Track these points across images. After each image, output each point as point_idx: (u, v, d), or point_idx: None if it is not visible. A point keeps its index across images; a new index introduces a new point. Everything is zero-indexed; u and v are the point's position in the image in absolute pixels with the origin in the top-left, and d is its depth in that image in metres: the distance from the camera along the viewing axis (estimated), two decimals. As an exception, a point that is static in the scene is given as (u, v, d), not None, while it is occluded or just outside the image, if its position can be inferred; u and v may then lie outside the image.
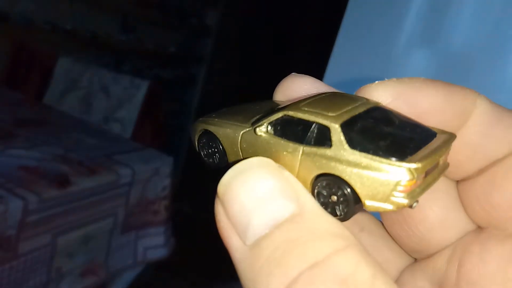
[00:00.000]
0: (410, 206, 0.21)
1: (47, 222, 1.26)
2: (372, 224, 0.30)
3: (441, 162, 0.23)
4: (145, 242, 1.63)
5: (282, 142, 0.23)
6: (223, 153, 0.26)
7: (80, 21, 2.39)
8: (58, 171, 1.36)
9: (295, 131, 0.23)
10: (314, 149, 0.22)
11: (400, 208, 0.21)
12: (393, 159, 0.20)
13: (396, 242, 0.29)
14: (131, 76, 2.16)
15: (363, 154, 0.21)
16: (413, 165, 0.20)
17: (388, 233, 0.29)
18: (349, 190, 0.21)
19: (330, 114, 0.22)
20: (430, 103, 0.24)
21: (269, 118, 0.24)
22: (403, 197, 0.20)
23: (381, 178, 0.20)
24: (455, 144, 0.24)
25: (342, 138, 0.21)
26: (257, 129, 0.24)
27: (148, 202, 1.62)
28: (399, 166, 0.20)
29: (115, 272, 1.56)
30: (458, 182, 0.27)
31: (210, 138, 0.27)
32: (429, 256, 0.27)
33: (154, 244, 1.65)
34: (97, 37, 2.48)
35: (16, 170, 1.32)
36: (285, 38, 2.69)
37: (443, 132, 0.24)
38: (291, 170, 0.22)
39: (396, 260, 0.29)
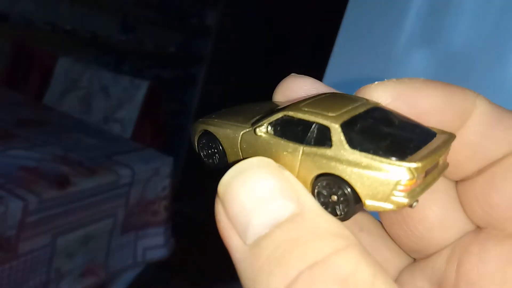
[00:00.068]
0: (410, 206, 0.21)
1: (47, 222, 1.26)
2: (371, 224, 0.30)
3: (440, 162, 0.23)
4: (145, 243, 1.63)
5: (282, 142, 0.23)
6: (223, 153, 0.26)
7: (80, 21, 2.39)
8: (58, 172, 1.36)
9: (295, 131, 0.23)
10: (314, 149, 0.22)
11: (400, 207, 0.21)
12: (393, 158, 0.20)
13: (395, 242, 0.29)
14: (131, 76, 2.16)
15: (363, 154, 0.21)
16: (413, 165, 0.20)
17: (387, 233, 0.29)
18: (349, 189, 0.21)
19: (330, 114, 0.22)
20: (429, 104, 0.24)
21: (269, 118, 0.24)
22: (403, 197, 0.20)
23: (381, 177, 0.20)
24: (454, 145, 0.24)
25: (342, 138, 0.21)
26: (257, 130, 0.24)
27: (148, 203, 1.62)
28: (399, 165, 0.20)
29: (115, 273, 1.56)
30: (457, 182, 0.27)
31: (210, 138, 0.27)
32: (428, 256, 0.27)
33: (154, 244, 1.65)
34: (97, 37, 2.48)
35: (16, 170, 1.32)
36: (285, 38, 2.69)
37: (443, 132, 0.24)
38: (291, 170, 0.22)
39: (395, 260, 0.29)
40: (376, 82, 0.25)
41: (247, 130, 0.25)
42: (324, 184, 0.22)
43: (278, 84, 0.28)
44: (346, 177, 0.21)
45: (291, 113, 0.23)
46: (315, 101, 0.24)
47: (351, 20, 0.76)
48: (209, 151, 0.27)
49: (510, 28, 0.65)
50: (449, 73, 0.69)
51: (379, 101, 0.24)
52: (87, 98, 2.12)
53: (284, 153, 0.23)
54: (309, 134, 0.22)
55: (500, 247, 0.24)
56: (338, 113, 0.22)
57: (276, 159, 0.22)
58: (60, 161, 1.44)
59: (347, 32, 0.76)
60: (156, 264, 1.70)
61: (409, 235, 0.27)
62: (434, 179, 0.22)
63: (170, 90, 2.67)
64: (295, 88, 0.27)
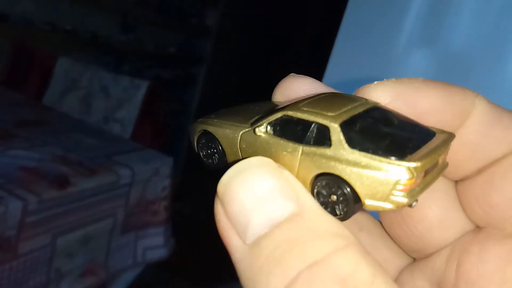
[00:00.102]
0: (410, 205, 0.21)
1: (47, 222, 1.26)
2: (371, 224, 0.30)
3: (440, 161, 0.23)
4: (145, 243, 1.63)
5: (282, 142, 0.23)
6: (222, 153, 0.26)
7: (80, 21, 2.39)
8: (58, 172, 1.36)
9: (294, 131, 0.23)
10: (313, 149, 0.22)
11: (399, 207, 0.21)
12: (393, 158, 0.20)
13: (395, 241, 0.29)
14: (131, 76, 2.15)
15: (362, 153, 0.21)
16: (412, 164, 0.20)
17: (387, 232, 0.29)
18: (348, 189, 0.21)
19: (329, 114, 0.22)
20: (429, 104, 0.24)
21: (269, 118, 0.24)
22: (403, 196, 0.20)
23: (380, 177, 0.20)
24: (453, 144, 0.24)
25: (342, 137, 0.21)
26: (257, 129, 0.24)
27: (148, 203, 1.62)
28: (398, 165, 0.20)
29: (115, 273, 1.56)
30: (457, 182, 0.27)
31: (210, 138, 0.27)
32: (428, 256, 0.27)
33: (154, 244, 1.65)
34: (97, 37, 2.48)
35: (16, 170, 1.32)
36: (285, 38, 2.69)
37: (442, 131, 0.24)
38: (290, 170, 0.22)
39: (395, 260, 0.29)
40: (375, 82, 0.25)
41: (247, 130, 0.25)
42: (323, 183, 0.22)
43: (278, 84, 0.28)
44: (346, 177, 0.21)
45: (290, 113, 0.23)
46: (314, 101, 0.24)
47: (351, 20, 0.76)
48: (209, 151, 0.27)
49: (510, 28, 0.65)
50: (449, 73, 0.69)
51: (378, 101, 0.24)
52: (87, 98, 2.12)
53: (284, 153, 0.23)
54: (308, 134, 0.22)
55: (499, 246, 0.24)
56: (338, 112, 0.22)
57: (275, 159, 0.22)
58: (60, 161, 1.44)
59: (347, 32, 0.76)
60: (156, 264, 1.70)
61: (408, 235, 0.27)
62: (434, 179, 0.22)
63: (170, 90, 2.67)
64: (295, 88, 0.27)
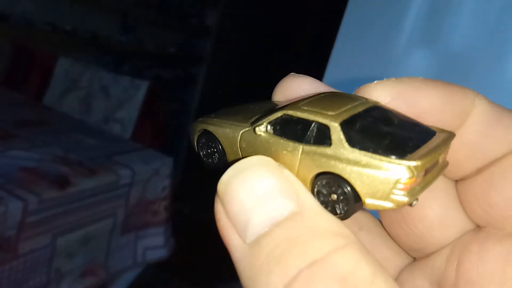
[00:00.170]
0: (410, 204, 0.21)
1: (47, 222, 1.26)
2: (371, 223, 0.30)
3: (440, 160, 0.23)
4: (145, 243, 1.63)
5: (282, 141, 0.23)
6: (223, 153, 0.26)
7: (80, 21, 2.39)
8: (58, 172, 1.36)
9: (294, 130, 0.23)
10: (313, 148, 0.22)
11: (400, 206, 0.21)
12: (393, 157, 0.20)
13: (395, 241, 0.29)
14: (131, 76, 2.15)
15: (362, 152, 0.21)
16: (412, 163, 0.20)
17: (387, 232, 0.29)
18: (349, 188, 0.21)
19: (329, 113, 0.22)
20: (429, 103, 0.24)
21: (269, 117, 0.24)
22: (403, 195, 0.20)
23: (381, 176, 0.20)
24: (453, 144, 0.24)
25: (342, 136, 0.21)
26: (257, 129, 0.24)
27: (148, 203, 1.62)
28: (399, 164, 0.20)
29: (115, 273, 1.56)
30: (457, 181, 0.27)
31: (210, 138, 0.27)
32: (428, 255, 0.27)
33: (154, 244, 1.65)
34: (97, 37, 2.48)
35: (16, 171, 1.32)
36: (285, 38, 2.69)
37: (442, 130, 0.24)
38: (290, 169, 0.22)
39: (395, 259, 0.29)
40: (375, 81, 0.25)
41: (247, 129, 0.25)
42: (323, 183, 0.22)
43: (278, 84, 0.28)
44: (346, 176, 0.21)
45: (290, 112, 0.23)
46: (314, 100, 0.24)
47: (351, 20, 0.76)
48: (209, 151, 0.27)
49: (510, 28, 0.65)
50: (449, 73, 0.69)
51: (378, 100, 0.24)
52: (87, 98, 2.12)
53: (284, 152, 0.23)
54: (308, 133, 0.22)
55: (499, 246, 0.24)
56: (338, 112, 0.22)
57: (275, 158, 0.22)
58: (60, 161, 1.44)
59: (347, 32, 0.76)
60: (156, 264, 1.70)
61: (408, 234, 0.27)
62: (434, 178, 0.22)
63: (170, 90, 2.67)
64: (295, 87, 0.27)
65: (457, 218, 0.26)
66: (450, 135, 0.23)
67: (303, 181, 0.22)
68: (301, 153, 0.22)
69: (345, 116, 0.22)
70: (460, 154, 0.25)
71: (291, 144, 0.23)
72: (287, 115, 0.23)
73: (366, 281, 0.17)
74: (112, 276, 1.55)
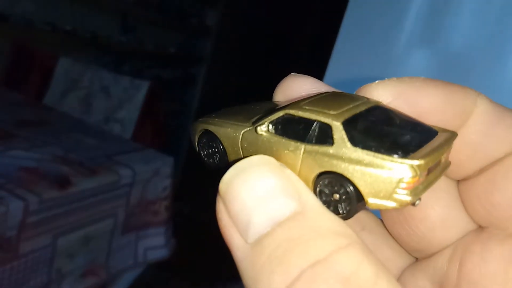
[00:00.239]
0: (413, 204, 0.21)
1: (48, 222, 1.26)
2: (373, 223, 0.30)
3: (442, 160, 0.23)
4: (146, 243, 1.63)
5: (283, 140, 0.23)
6: (224, 153, 0.26)
7: (80, 21, 2.39)
8: (58, 172, 1.36)
9: (296, 129, 0.23)
10: (315, 147, 0.22)
11: (403, 205, 0.20)
12: (396, 156, 0.20)
13: (397, 241, 0.29)
14: (131, 76, 2.15)
15: (365, 151, 0.21)
16: (415, 162, 0.20)
17: (389, 232, 0.29)
18: (351, 188, 0.21)
19: (331, 112, 0.22)
20: (430, 103, 0.24)
21: (270, 117, 0.24)
22: (406, 194, 0.20)
23: (383, 175, 0.20)
24: (455, 144, 0.24)
25: (344, 135, 0.21)
26: (258, 128, 0.24)
27: (148, 203, 1.62)
28: (401, 163, 0.20)
29: (116, 273, 1.56)
30: (459, 181, 0.26)
31: (211, 138, 0.27)
32: (430, 256, 0.27)
33: (155, 244, 1.65)
34: (97, 37, 2.48)
35: (16, 171, 1.32)
36: (285, 38, 2.69)
37: (444, 130, 0.24)
38: (292, 168, 0.22)
39: (396, 259, 0.29)
40: (376, 81, 0.25)
41: (248, 129, 0.25)
42: (326, 182, 0.22)
43: (279, 84, 0.27)
44: (348, 175, 0.21)
45: (292, 112, 0.23)
46: (316, 100, 0.24)
47: (351, 20, 0.76)
48: (210, 151, 0.27)
49: (510, 28, 0.65)
50: (449, 73, 0.69)
51: (380, 100, 0.24)
52: (88, 98, 2.12)
53: (286, 151, 0.23)
54: (310, 132, 0.22)
55: (502, 246, 0.24)
56: (340, 111, 0.22)
57: (277, 157, 0.22)
58: (61, 161, 1.44)
59: (347, 32, 0.76)
60: (157, 264, 1.70)
61: (410, 235, 0.27)
62: (437, 177, 0.22)
63: (170, 90, 2.67)
64: (296, 87, 0.27)
65: (459, 219, 0.26)
66: (452, 135, 0.23)
67: (305, 181, 0.22)
68: (303, 153, 0.22)
69: (347, 115, 0.22)
70: (462, 154, 0.25)
71: (292, 144, 0.22)
72: (289, 114, 0.23)
73: (369, 281, 0.17)
74: (112, 276, 1.55)
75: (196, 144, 0.28)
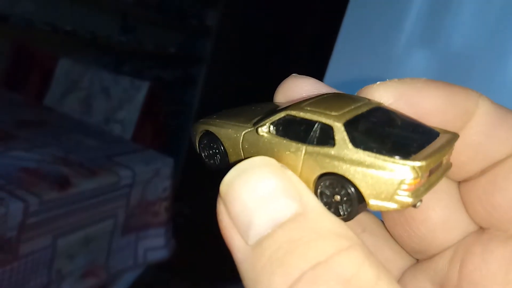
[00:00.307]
0: (414, 206, 0.21)
1: (48, 223, 1.26)
2: (374, 225, 0.30)
3: (444, 161, 0.23)
4: (146, 244, 1.63)
5: (285, 141, 0.23)
6: (225, 154, 0.26)
7: (80, 22, 2.39)
8: (58, 173, 1.36)
9: (297, 130, 0.23)
10: (317, 149, 0.22)
11: (404, 207, 0.20)
12: (397, 157, 0.20)
13: (397, 242, 0.29)
14: (131, 77, 2.16)
15: (366, 152, 0.21)
16: (417, 163, 0.20)
17: (389, 233, 0.29)
18: (352, 189, 0.21)
19: (333, 113, 0.22)
20: (432, 104, 0.24)
21: (271, 118, 0.24)
22: (408, 196, 0.20)
23: (385, 176, 0.20)
24: (457, 145, 0.24)
25: (346, 137, 0.21)
26: (259, 129, 0.24)
27: (148, 204, 1.62)
28: (403, 164, 0.20)
29: (116, 274, 1.56)
30: (460, 183, 0.26)
31: (211, 139, 0.27)
32: (431, 257, 0.27)
33: (155, 245, 1.65)
34: (97, 37, 2.48)
35: (16, 171, 1.32)
36: (285, 38, 2.69)
37: (446, 131, 0.24)
38: (293, 170, 0.22)
39: (397, 261, 0.29)
40: (378, 82, 0.25)
41: (249, 130, 0.25)
42: (327, 183, 0.22)
43: (279, 85, 0.27)
44: (350, 177, 0.21)
45: (293, 113, 0.23)
46: (317, 101, 0.24)
47: (351, 20, 0.76)
48: (211, 152, 0.27)
49: (510, 28, 0.65)
50: (450, 73, 0.69)
51: (381, 101, 0.24)
52: (88, 99, 2.12)
53: (287, 152, 0.23)
54: (311, 134, 0.22)
55: (503, 248, 0.24)
56: (341, 112, 0.22)
57: (278, 158, 0.22)
58: (61, 162, 1.44)
59: (348, 32, 0.76)
60: (157, 265, 1.70)
61: (411, 236, 0.27)
62: (438, 179, 0.22)
63: (170, 91, 2.67)
64: (296, 88, 0.27)
65: (460, 220, 0.26)
66: (454, 136, 0.23)
67: (306, 182, 0.22)
68: (304, 154, 0.22)
69: (349, 116, 0.22)
70: (464, 155, 0.25)
71: (294, 145, 0.22)
72: (290, 115, 0.23)
73: (369, 283, 0.17)
74: (112, 277, 1.55)
75: (197, 145, 0.28)
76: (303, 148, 0.22)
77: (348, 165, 0.21)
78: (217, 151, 0.27)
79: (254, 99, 0.30)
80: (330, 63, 0.77)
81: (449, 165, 0.24)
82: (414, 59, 0.72)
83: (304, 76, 0.27)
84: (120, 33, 2.62)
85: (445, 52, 0.70)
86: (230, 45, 2.71)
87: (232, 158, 0.26)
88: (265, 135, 0.24)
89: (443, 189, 0.26)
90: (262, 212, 0.19)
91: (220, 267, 1.13)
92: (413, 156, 0.20)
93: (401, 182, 0.20)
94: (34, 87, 2.19)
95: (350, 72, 0.76)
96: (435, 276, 0.27)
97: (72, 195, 1.32)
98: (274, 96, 0.28)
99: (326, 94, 0.25)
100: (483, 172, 0.25)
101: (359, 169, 0.21)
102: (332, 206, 0.22)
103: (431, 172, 0.21)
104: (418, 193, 0.20)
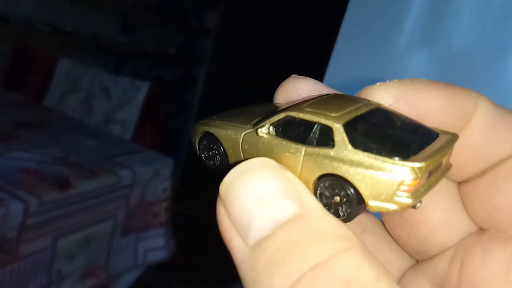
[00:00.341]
0: (414, 207, 0.21)
1: (48, 224, 1.26)
2: (374, 225, 0.30)
3: (443, 162, 0.23)
4: (146, 244, 1.63)
5: (284, 143, 0.23)
6: (224, 155, 0.26)
7: (80, 22, 2.39)
8: (58, 174, 1.36)
9: (297, 131, 0.23)
10: (316, 150, 0.22)
11: (404, 208, 0.20)
12: (397, 158, 0.20)
13: (397, 243, 0.29)
14: (131, 77, 2.16)
15: (366, 154, 0.21)
16: (416, 164, 0.20)
17: (389, 234, 0.29)
18: (352, 190, 0.21)
19: (332, 114, 0.22)
20: (432, 105, 0.24)
21: (271, 119, 0.24)
22: (407, 197, 0.20)
23: (384, 177, 0.20)
24: (456, 146, 0.24)
25: (345, 138, 0.21)
26: (259, 130, 0.24)
27: (148, 204, 1.62)
28: (402, 165, 0.20)
29: (116, 274, 1.56)
30: (460, 183, 0.26)
31: (211, 140, 0.27)
32: (431, 258, 0.27)
33: (155, 246, 1.65)
34: (97, 38, 2.48)
35: (16, 172, 1.32)
36: (285, 38, 2.69)
37: (446, 132, 0.24)
38: (293, 171, 0.22)
39: (397, 262, 0.29)
40: (377, 83, 0.25)
41: (249, 131, 0.25)
42: (326, 184, 0.22)
43: (279, 86, 0.27)
44: (349, 178, 0.21)
45: (293, 114, 0.23)
46: (317, 102, 0.24)
47: (351, 20, 0.76)
48: (210, 153, 0.27)
49: (510, 28, 0.65)
50: (450, 73, 0.69)
51: (381, 102, 0.24)
52: (88, 99, 2.12)
53: (286, 153, 0.23)
54: (311, 135, 0.22)
55: (503, 249, 0.24)
56: (341, 113, 0.22)
57: (278, 160, 0.22)
58: (61, 163, 1.44)
59: (348, 33, 0.76)
60: (157, 265, 1.70)
61: (411, 237, 0.27)
62: (438, 180, 0.22)
63: (170, 91, 2.67)
64: (296, 89, 0.27)
65: (460, 221, 0.26)
66: (454, 137, 0.23)
67: (306, 183, 0.22)
68: (304, 155, 0.22)
69: (348, 117, 0.22)
70: (463, 156, 0.25)
71: (293, 146, 0.22)
72: (290, 116, 0.23)
73: (369, 284, 0.17)
74: (112, 278, 1.55)
75: (197, 146, 0.28)
76: (303, 149, 0.22)
77: (347, 166, 0.21)
78: (217, 152, 0.27)
79: (254, 99, 0.30)
80: (330, 63, 0.77)
81: (448, 166, 0.24)
82: (414, 59, 0.72)
83: (304, 77, 0.27)
84: (120, 33, 2.62)
85: (445, 52, 0.70)
86: (230, 45, 2.71)
87: (231, 159, 0.26)
88: (265, 136, 0.24)
89: (443, 190, 0.26)
90: (262, 213, 0.19)
91: (220, 268, 1.13)
92: (413, 157, 0.20)
93: (401, 183, 0.20)
94: (34, 87, 2.19)
95: (350, 72, 0.76)
96: (435, 277, 0.27)
97: (72, 195, 1.32)
98: (274, 97, 0.28)
99: (326, 95, 0.25)
100: (483, 173, 0.25)
101: (359, 170, 0.21)
102: (331, 207, 0.22)
103: (430, 173, 0.21)
104: (417, 194, 0.20)
